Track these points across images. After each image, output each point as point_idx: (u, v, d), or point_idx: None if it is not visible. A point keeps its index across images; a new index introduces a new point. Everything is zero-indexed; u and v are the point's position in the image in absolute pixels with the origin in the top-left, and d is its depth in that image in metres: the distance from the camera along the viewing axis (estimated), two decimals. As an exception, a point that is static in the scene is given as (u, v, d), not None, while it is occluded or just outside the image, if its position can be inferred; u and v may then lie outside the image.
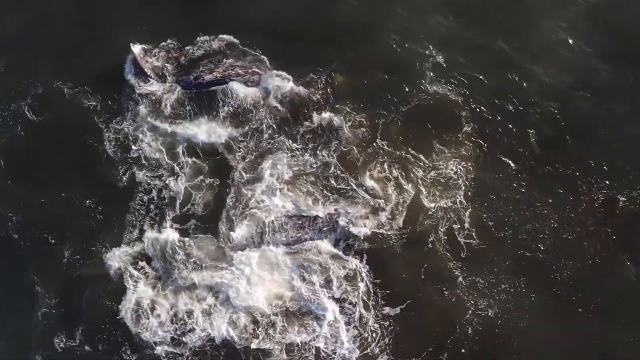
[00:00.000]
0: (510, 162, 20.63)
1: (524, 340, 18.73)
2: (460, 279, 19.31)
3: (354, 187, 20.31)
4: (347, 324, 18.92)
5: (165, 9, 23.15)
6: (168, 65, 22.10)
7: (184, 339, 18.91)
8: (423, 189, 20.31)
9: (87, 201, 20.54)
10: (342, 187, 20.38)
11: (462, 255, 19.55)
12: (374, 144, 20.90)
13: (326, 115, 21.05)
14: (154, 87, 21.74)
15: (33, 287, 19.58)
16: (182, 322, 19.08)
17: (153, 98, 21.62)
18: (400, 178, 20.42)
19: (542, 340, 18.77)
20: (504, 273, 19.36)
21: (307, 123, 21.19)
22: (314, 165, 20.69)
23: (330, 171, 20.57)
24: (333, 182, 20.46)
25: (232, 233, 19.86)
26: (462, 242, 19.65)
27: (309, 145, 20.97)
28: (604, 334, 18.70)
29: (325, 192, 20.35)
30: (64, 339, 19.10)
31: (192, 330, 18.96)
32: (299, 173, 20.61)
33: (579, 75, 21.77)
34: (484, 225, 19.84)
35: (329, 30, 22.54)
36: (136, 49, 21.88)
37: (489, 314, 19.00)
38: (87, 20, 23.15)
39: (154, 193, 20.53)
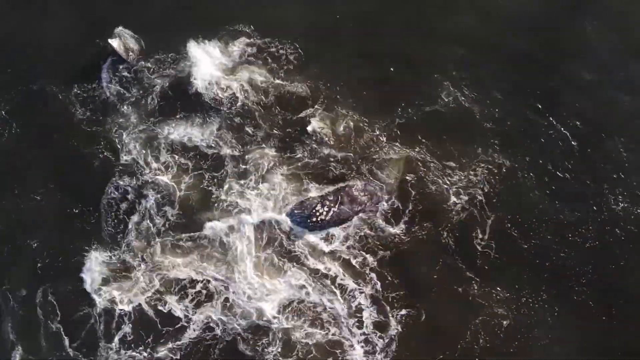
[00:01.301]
0: (533, 172, 20.04)
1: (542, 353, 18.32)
2: (475, 286, 18.81)
3: (345, 184, 19.92)
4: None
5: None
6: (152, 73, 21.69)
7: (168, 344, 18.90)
8: (444, 192, 19.76)
9: (71, 209, 20.25)
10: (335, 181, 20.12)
11: (478, 262, 19.03)
12: (379, 145, 20.41)
13: (318, 118, 20.80)
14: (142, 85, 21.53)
15: (11, 292, 19.55)
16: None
17: (138, 100, 21.35)
18: (411, 180, 19.96)
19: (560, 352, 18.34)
20: (524, 283, 18.85)
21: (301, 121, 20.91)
22: (306, 159, 20.40)
23: (323, 166, 20.28)
24: (324, 179, 20.18)
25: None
26: (479, 249, 19.14)
27: (303, 144, 20.61)
28: (629, 347, 18.23)
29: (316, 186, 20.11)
30: (41, 342, 19.02)
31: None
32: (289, 167, 20.34)
33: (612, 78, 21.04)
34: (506, 234, 19.29)
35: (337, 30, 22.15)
36: (115, 42, 21.39)
37: (504, 323, 18.53)
38: (76, 21, 22.81)
39: (144, 195, 20.27)
